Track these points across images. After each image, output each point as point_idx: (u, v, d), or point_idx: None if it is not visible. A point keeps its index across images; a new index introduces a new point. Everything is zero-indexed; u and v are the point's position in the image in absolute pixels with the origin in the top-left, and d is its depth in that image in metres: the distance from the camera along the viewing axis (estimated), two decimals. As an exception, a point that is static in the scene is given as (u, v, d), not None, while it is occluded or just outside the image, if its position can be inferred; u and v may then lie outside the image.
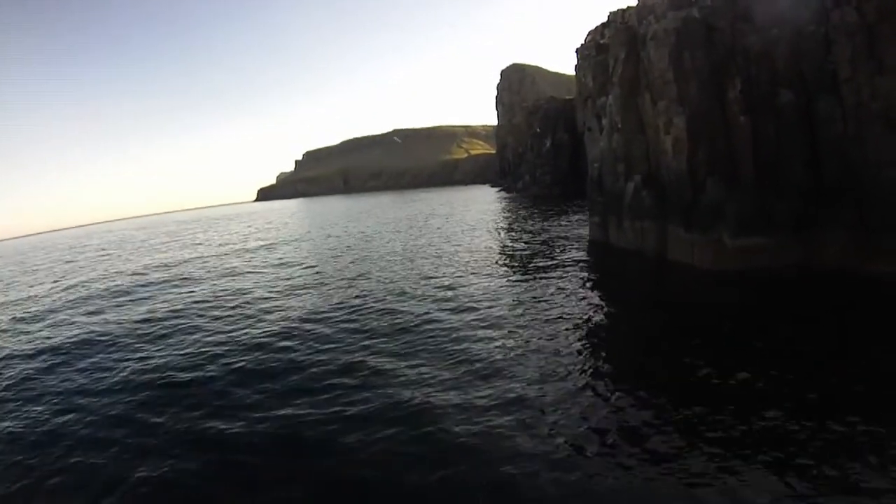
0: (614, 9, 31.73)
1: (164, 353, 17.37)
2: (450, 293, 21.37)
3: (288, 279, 27.96)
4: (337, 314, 19.88)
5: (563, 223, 41.28)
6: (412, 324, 17.65)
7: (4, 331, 24.13)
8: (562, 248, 29.78)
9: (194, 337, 18.81)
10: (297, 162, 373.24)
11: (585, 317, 17.59)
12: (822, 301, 16.98)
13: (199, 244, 54.90)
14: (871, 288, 17.44)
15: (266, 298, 23.76)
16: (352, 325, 18.28)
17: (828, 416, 9.92)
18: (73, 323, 23.32)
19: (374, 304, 20.74)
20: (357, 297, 22.36)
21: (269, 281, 28.03)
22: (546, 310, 18.34)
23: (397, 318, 18.46)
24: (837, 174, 20.29)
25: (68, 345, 19.78)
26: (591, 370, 13.29)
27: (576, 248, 29.65)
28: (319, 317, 19.75)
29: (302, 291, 24.48)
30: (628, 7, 29.88)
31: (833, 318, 15.49)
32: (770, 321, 15.69)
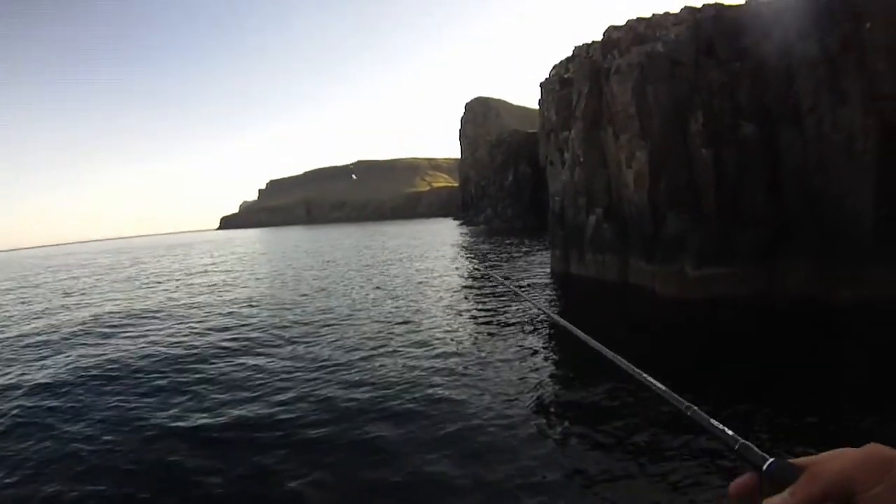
0: (579, 43, 31.99)
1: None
2: (409, 326, 21.00)
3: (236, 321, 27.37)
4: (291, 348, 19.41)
5: (524, 256, 41.29)
6: (373, 359, 17.23)
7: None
8: (524, 280, 29.65)
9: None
10: (260, 191, 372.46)
11: (547, 345, 17.39)
12: (781, 328, 17.20)
13: (159, 280, 53.81)
14: (831, 315, 17.68)
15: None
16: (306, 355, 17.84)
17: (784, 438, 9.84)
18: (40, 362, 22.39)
19: (338, 344, 20.29)
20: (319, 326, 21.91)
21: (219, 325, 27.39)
22: (506, 340, 18.08)
23: (361, 359, 18.00)
24: (799, 204, 20.53)
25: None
26: (552, 398, 13.07)
27: (538, 280, 29.55)
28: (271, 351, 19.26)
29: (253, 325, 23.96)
30: (593, 41, 30.18)
31: (790, 344, 15.65)
32: (726, 345, 15.88)
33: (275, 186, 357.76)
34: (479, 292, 27.37)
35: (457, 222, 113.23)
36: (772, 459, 0.96)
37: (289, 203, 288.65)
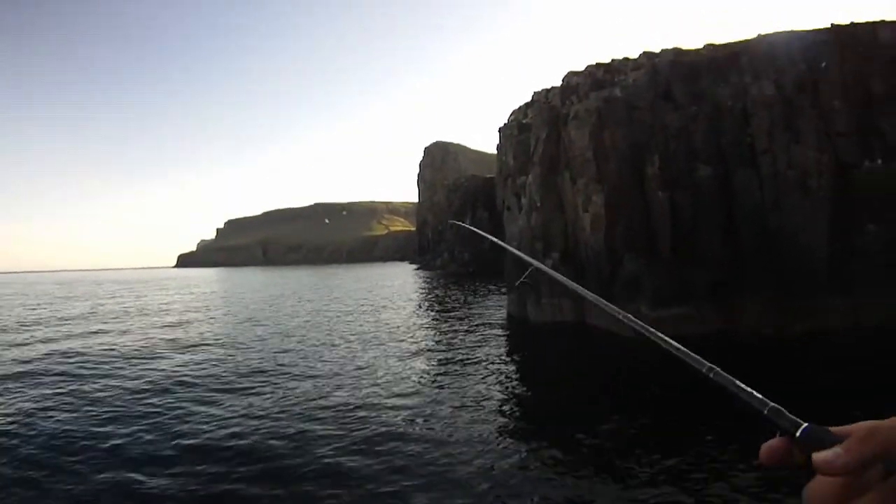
0: (539, 88, 32.29)
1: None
2: (365, 370, 20.54)
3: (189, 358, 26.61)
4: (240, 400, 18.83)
5: (481, 300, 41.13)
6: (324, 403, 16.76)
7: None
8: (480, 324, 29.41)
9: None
10: (218, 229, 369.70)
11: (506, 389, 17.14)
12: (737, 363, 17.29)
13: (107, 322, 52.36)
14: (786, 348, 18.02)
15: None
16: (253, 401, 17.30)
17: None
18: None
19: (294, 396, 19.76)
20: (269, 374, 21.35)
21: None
22: (464, 385, 17.75)
23: (313, 404, 17.52)
24: (755, 242, 20.90)
25: None
26: (513, 442, 12.77)
27: (494, 324, 29.34)
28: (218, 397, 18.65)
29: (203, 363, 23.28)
30: (552, 87, 30.49)
31: (745, 378, 15.77)
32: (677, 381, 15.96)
33: (233, 226, 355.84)
34: (434, 338, 27.04)
35: (413, 266, 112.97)
36: (805, 424, 0.86)
37: (246, 243, 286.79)
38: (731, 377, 1.01)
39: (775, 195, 20.96)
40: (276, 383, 18.57)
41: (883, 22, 23.92)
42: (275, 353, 23.84)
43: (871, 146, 21.73)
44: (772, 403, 0.93)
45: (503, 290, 38.41)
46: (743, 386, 0.98)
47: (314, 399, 16.48)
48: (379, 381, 18.60)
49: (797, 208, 20.64)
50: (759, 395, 0.96)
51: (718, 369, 1.04)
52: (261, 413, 15.17)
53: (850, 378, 14.94)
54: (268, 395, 17.01)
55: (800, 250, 20.26)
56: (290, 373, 20.03)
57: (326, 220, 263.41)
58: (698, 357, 1.11)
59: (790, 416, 0.89)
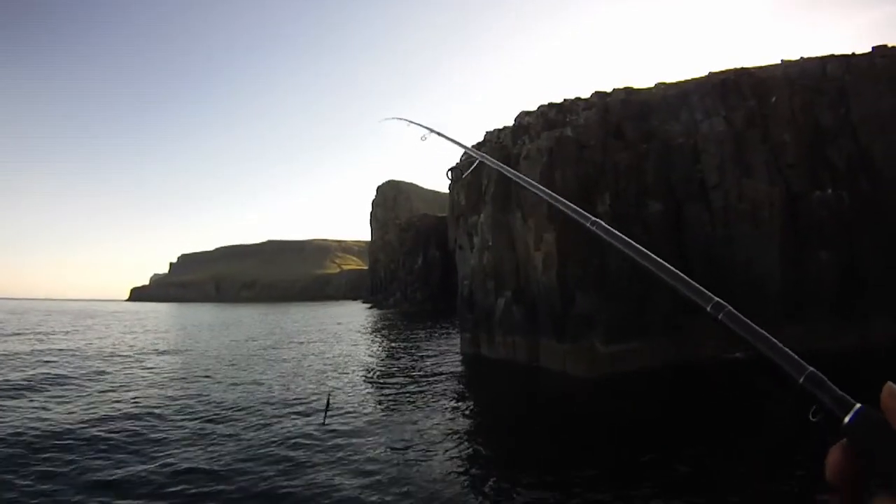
0: (491, 128, 32.45)
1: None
2: (316, 411, 20.04)
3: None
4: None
5: (434, 339, 40.79)
6: (278, 449, 16.26)
7: None
8: (433, 363, 29.01)
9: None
10: (171, 264, 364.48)
11: (459, 429, 16.85)
12: (690, 393, 17.91)
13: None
14: (736, 375, 18.38)
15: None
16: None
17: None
18: None
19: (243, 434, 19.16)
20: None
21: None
22: (418, 424, 17.43)
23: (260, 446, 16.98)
24: (708, 274, 21.08)
25: None
26: (467, 484, 12.50)
27: (448, 362, 28.97)
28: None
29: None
30: (504, 126, 30.65)
31: (697, 406, 16.39)
32: (641, 417, 16.14)
33: (186, 261, 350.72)
34: (389, 375, 26.61)
35: (366, 305, 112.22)
36: (858, 406, 0.69)
37: (199, 279, 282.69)
38: (744, 318, 0.83)
39: (727, 228, 21.35)
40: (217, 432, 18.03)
41: (831, 56, 24.67)
42: (220, 397, 23.22)
43: (820, 176, 22.36)
44: (811, 368, 0.78)
45: (455, 329, 38.21)
46: (765, 334, 0.84)
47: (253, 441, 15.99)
48: (331, 425, 18.15)
49: (749, 239, 21.07)
50: (794, 356, 0.81)
51: (729, 307, 0.88)
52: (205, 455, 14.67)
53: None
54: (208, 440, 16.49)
55: (753, 279, 20.66)
56: (233, 411, 19.48)
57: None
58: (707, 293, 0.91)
59: (836, 390, 0.71)
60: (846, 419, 0.66)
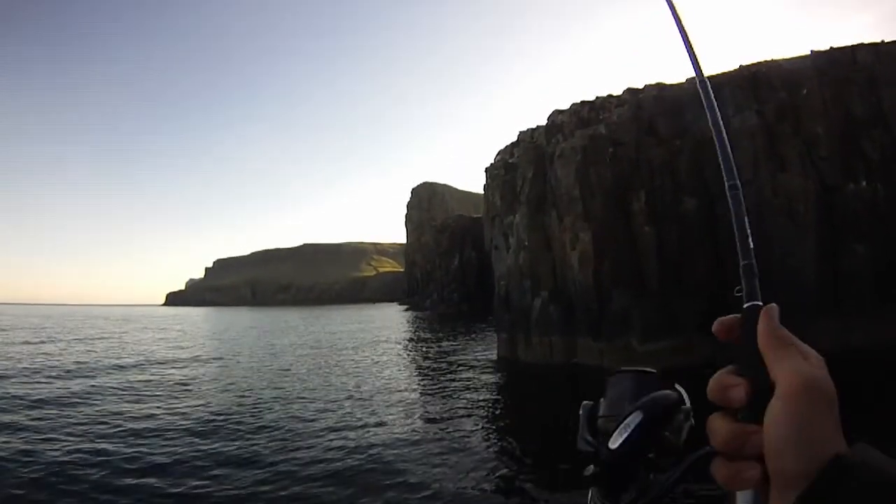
0: (524, 128, 32.41)
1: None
2: (354, 418, 20.16)
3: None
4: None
5: (471, 341, 40.82)
6: (320, 446, 16.44)
7: None
8: (470, 366, 29.06)
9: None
10: (206, 269, 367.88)
11: (495, 431, 16.94)
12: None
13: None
14: None
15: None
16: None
17: None
18: None
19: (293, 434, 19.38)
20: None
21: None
22: (455, 431, 17.50)
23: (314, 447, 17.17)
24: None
25: None
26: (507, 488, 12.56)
27: (484, 365, 29.01)
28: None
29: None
30: (538, 126, 30.60)
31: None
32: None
33: (221, 265, 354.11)
34: (426, 380, 26.75)
35: (402, 307, 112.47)
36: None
37: (235, 283, 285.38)
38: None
39: (761, 223, 21.10)
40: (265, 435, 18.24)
41: (861, 45, 24.28)
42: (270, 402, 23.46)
43: (854, 168, 22.04)
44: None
45: (492, 329, 38.20)
46: None
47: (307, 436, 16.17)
48: (372, 428, 18.31)
49: (784, 234, 20.83)
50: None
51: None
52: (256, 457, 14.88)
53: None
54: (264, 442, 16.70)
55: (789, 274, 20.35)
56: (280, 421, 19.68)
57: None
58: None
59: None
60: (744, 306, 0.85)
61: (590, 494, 1.04)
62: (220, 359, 38.54)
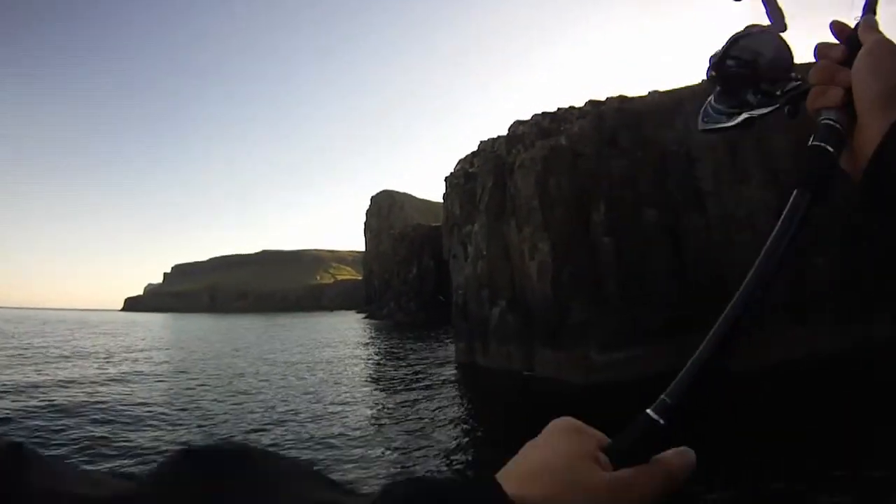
0: (485, 138, 32.44)
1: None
2: (313, 424, 19.93)
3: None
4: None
5: (429, 349, 40.68)
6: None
7: None
8: (429, 373, 28.92)
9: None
10: (165, 274, 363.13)
11: (453, 438, 16.89)
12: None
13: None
14: (738, 382, 18.56)
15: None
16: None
17: None
18: None
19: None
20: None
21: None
22: (415, 432, 17.41)
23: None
24: (706, 281, 21.18)
25: None
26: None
27: (443, 372, 28.87)
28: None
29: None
30: (498, 136, 30.63)
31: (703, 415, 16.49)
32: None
33: (180, 270, 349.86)
34: (386, 386, 26.54)
35: (361, 315, 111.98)
36: None
37: (194, 289, 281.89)
38: None
39: (724, 234, 21.40)
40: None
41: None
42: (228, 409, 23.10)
43: (814, 181, 22.54)
44: None
45: (449, 338, 38.16)
46: None
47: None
48: (331, 436, 18.10)
49: (747, 245, 21.13)
50: None
51: None
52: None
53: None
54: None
55: (752, 285, 20.88)
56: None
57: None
58: None
59: None
60: None
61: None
62: (180, 372, 37.84)
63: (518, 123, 29.42)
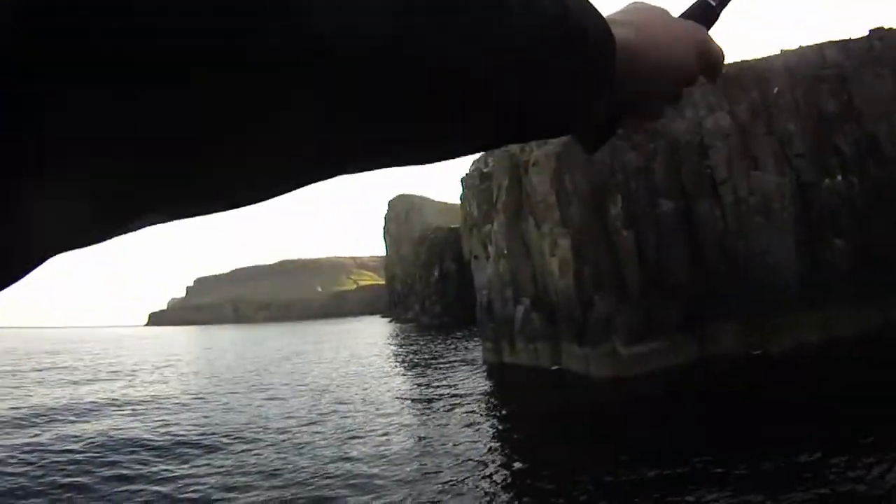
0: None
1: None
2: (344, 431, 20.10)
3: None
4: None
5: (456, 350, 40.86)
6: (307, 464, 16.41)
7: None
8: (457, 373, 29.16)
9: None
10: (188, 287, 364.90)
11: (486, 437, 17.08)
12: (717, 389, 18.20)
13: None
14: (763, 368, 18.63)
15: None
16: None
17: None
18: None
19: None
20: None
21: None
22: (449, 438, 17.59)
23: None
24: (724, 269, 21.32)
25: None
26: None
27: (471, 372, 29.07)
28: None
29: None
30: (510, 135, 30.69)
31: (726, 402, 16.56)
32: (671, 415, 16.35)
33: (202, 283, 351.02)
34: (414, 387, 26.80)
35: (385, 319, 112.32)
36: None
37: (217, 302, 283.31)
38: None
39: (739, 221, 21.48)
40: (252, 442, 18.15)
41: (830, 42, 24.80)
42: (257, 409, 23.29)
43: (829, 164, 22.48)
44: None
45: (475, 339, 38.31)
46: None
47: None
48: (362, 437, 18.34)
49: (762, 232, 21.27)
50: None
51: None
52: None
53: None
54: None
55: (769, 270, 20.83)
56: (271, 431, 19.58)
57: (319, 289, 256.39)
58: None
59: None
60: None
61: None
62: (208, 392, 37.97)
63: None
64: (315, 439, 18.88)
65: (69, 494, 14.65)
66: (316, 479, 14.52)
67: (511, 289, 28.13)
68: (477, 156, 38.30)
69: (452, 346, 44.25)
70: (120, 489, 15.04)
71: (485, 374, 28.70)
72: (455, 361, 34.82)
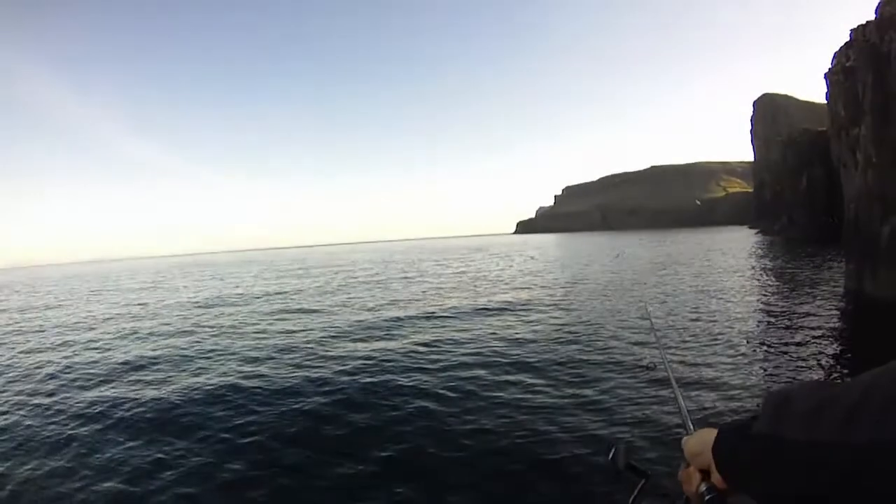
0: (855, 25, 27.45)
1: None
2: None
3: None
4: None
5: (814, 272, 36.60)
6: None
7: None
8: (805, 301, 25.41)
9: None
10: (556, 197, 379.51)
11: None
12: None
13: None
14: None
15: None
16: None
17: None
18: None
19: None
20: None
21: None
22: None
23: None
24: None
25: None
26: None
27: (824, 301, 24.99)
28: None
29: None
30: (868, 21, 25.65)
31: None
32: None
33: (570, 192, 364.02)
34: (759, 308, 23.99)
35: (752, 231, 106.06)
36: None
37: (584, 209, 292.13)
38: None
39: None
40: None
41: None
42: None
43: None
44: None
45: (840, 260, 33.79)
46: None
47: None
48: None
49: None
50: None
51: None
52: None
53: None
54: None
55: None
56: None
57: (698, 202, 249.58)
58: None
59: None
60: None
61: None
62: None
63: (885, 4, 24.14)
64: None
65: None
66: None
67: (879, 203, 23.92)
68: (837, 46, 33.12)
69: (811, 267, 39.74)
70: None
71: (840, 304, 24.55)
72: (809, 284, 30.89)
